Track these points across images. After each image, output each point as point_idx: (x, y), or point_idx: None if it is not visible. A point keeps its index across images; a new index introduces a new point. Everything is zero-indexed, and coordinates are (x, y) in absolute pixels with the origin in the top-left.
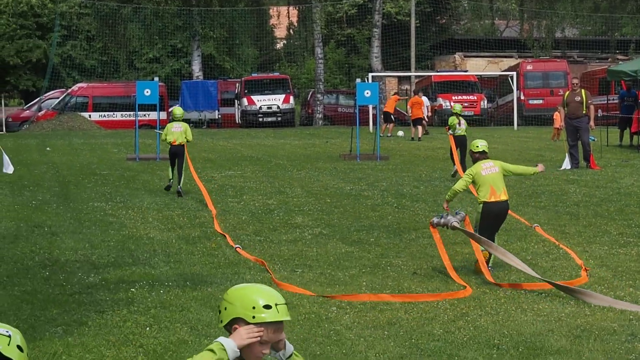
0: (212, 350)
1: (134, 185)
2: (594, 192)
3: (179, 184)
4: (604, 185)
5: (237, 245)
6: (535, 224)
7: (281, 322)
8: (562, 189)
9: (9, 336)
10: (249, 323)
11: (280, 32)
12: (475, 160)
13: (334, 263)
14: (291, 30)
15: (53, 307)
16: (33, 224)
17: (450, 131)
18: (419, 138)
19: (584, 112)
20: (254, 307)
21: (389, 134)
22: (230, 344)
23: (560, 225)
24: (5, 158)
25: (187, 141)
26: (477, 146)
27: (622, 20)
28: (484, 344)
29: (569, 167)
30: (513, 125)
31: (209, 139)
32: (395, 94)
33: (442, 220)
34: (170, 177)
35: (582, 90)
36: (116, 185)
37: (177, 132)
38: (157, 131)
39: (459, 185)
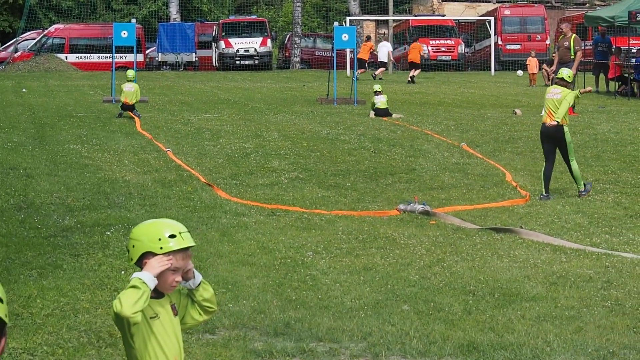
0: (135, 287)
1: (110, 127)
2: (571, 138)
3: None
4: (581, 132)
5: (168, 149)
6: (463, 143)
7: (188, 249)
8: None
9: None
10: (157, 255)
11: None
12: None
13: (310, 207)
14: None
15: (28, 250)
16: (8, 166)
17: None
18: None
19: (571, 57)
20: (159, 239)
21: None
22: (146, 275)
23: (537, 171)
24: None
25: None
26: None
27: None
28: (459, 290)
29: None
30: (490, 70)
31: (186, 82)
32: (367, 39)
33: (409, 207)
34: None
35: (573, 36)
36: (92, 127)
37: (129, 91)
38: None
39: None
